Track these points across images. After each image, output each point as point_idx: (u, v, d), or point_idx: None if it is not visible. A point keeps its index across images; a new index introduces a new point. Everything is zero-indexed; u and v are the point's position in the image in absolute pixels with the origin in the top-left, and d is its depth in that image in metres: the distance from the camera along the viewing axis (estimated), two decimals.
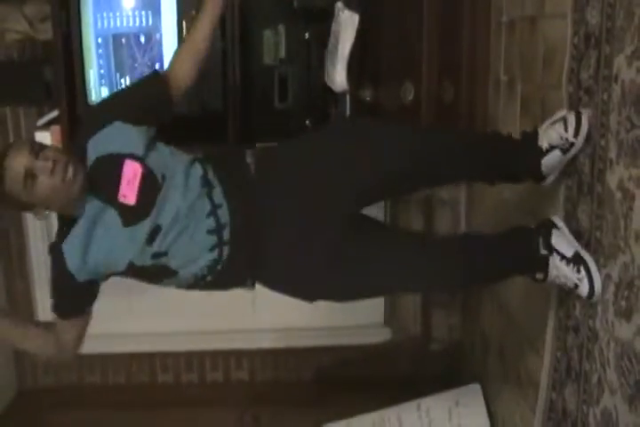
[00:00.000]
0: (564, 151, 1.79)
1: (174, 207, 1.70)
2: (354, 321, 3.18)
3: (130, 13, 2.48)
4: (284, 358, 3.24)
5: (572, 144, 1.78)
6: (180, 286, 1.82)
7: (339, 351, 3.19)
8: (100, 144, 1.76)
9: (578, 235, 1.82)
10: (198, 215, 1.71)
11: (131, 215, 1.70)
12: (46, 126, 2.70)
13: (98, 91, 2.51)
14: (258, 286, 1.85)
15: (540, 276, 1.83)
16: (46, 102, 2.72)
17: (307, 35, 2.59)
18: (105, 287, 1.83)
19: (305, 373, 3.22)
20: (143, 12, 2.48)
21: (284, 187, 1.77)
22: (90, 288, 1.79)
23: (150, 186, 1.71)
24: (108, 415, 2.95)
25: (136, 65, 2.50)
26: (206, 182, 1.74)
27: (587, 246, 1.78)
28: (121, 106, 1.84)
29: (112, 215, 1.71)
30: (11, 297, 3.16)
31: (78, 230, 1.72)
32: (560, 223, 1.85)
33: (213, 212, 1.72)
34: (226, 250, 1.73)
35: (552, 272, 1.79)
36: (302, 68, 2.62)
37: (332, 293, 1.84)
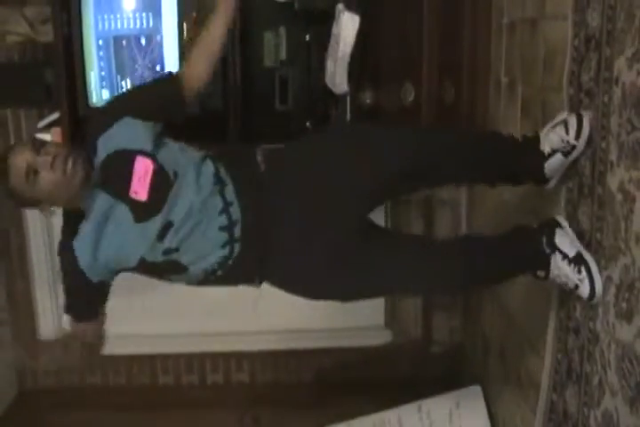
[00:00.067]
0: (566, 154, 1.80)
1: (187, 203, 1.71)
2: (354, 323, 3.18)
3: (130, 15, 2.48)
4: (284, 360, 3.23)
5: (574, 147, 1.78)
6: (190, 282, 1.83)
7: (339, 353, 3.18)
8: (110, 141, 1.76)
9: (579, 236, 1.82)
10: (211, 212, 1.72)
11: (142, 211, 1.71)
12: (47, 128, 2.71)
13: (99, 93, 2.51)
14: (258, 287, 1.86)
15: (541, 273, 1.83)
16: (47, 104, 2.73)
17: (307, 36, 2.59)
18: None
19: (305, 375, 3.21)
20: (144, 14, 2.48)
21: (287, 187, 1.78)
22: (101, 288, 1.81)
23: (162, 182, 1.72)
24: (108, 417, 2.94)
25: (137, 67, 2.50)
26: (219, 180, 1.75)
27: (587, 248, 1.78)
28: (132, 103, 1.84)
29: (123, 211, 1.71)
30: (11, 297, 3.15)
31: (89, 227, 1.73)
32: (564, 223, 1.86)
33: (225, 209, 1.73)
34: (237, 247, 1.74)
35: (553, 271, 1.80)
36: (303, 69, 2.62)
37: (334, 293, 1.85)
